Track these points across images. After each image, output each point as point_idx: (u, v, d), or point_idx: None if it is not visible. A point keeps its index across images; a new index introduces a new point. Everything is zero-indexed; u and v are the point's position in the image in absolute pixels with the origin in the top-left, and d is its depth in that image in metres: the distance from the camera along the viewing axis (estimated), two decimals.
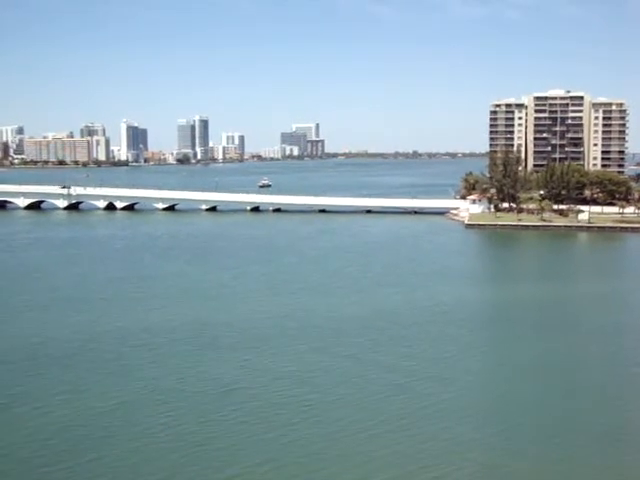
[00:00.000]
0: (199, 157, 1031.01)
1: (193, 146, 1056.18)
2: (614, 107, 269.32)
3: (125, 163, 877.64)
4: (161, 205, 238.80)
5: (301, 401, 60.02)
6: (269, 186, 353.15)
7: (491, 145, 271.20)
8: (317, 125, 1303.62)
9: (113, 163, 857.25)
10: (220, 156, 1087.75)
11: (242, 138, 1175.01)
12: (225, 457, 49.84)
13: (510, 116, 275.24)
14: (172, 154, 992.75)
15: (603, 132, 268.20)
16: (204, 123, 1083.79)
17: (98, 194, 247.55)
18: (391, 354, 73.40)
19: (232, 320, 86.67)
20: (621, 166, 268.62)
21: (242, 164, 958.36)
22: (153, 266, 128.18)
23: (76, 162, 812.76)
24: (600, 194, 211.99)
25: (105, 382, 64.62)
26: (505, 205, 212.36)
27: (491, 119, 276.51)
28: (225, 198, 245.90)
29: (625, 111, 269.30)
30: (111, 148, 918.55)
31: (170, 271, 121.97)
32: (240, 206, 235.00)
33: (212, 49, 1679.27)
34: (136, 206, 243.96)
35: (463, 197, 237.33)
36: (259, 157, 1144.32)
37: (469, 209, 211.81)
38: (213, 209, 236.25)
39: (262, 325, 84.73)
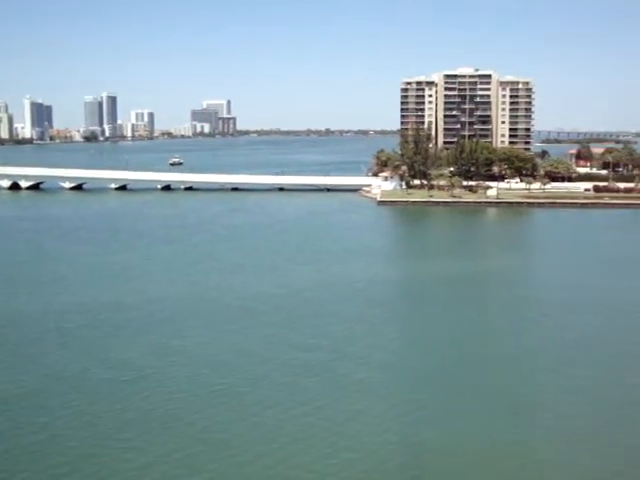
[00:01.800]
0: (107, 135, 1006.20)
1: (101, 123, 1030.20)
2: (521, 85, 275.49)
3: (29, 141, 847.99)
4: (68, 184, 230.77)
5: (216, 384, 58.66)
6: (180, 164, 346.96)
7: (402, 123, 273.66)
8: (228, 102, 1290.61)
9: (17, 141, 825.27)
10: (129, 134, 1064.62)
11: (152, 115, 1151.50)
12: (137, 445, 48.13)
13: (421, 94, 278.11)
14: (79, 132, 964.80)
15: (510, 110, 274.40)
16: (112, 100, 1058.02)
17: (1, 173, 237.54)
18: (306, 334, 72.74)
19: (143, 302, 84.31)
20: (528, 143, 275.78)
21: (152, 142, 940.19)
22: (59, 248, 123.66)
23: None
24: (508, 170, 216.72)
25: (10, 370, 61.64)
26: (416, 182, 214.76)
27: (402, 97, 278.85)
28: (135, 177, 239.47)
29: (531, 89, 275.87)
30: (15, 125, 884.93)
31: (77, 252, 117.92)
32: (151, 185, 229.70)
33: (119, 24, 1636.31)
34: (42, 185, 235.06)
35: (375, 174, 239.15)
36: (169, 135, 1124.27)
37: (381, 186, 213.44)
38: (123, 188, 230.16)
39: (174, 306, 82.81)
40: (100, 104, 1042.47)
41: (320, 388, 58.08)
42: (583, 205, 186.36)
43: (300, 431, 50.35)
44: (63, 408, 53.79)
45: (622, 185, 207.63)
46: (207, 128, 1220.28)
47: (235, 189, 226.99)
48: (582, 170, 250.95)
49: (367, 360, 65.10)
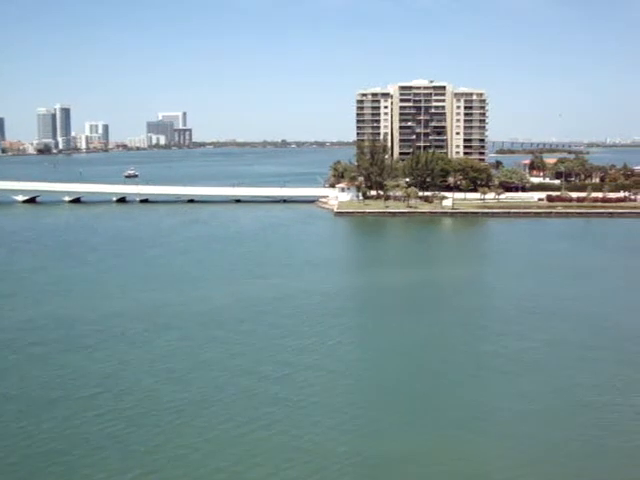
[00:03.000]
0: (61, 147, 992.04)
1: (54, 136, 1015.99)
2: (475, 97, 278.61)
3: None
4: (21, 197, 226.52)
5: (173, 400, 57.78)
6: (136, 176, 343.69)
7: (358, 134, 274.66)
8: (184, 114, 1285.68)
9: None
10: (83, 146, 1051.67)
11: (106, 127, 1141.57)
12: (92, 463, 47.10)
13: (376, 105, 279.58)
14: (32, 144, 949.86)
15: (465, 121, 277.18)
16: (66, 112, 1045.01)
17: None
18: (262, 347, 72.14)
19: (97, 318, 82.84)
20: (482, 154, 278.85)
21: (107, 154, 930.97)
22: (9, 262, 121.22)
23: None
24: (463, 181, 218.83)
25: None
26: (373, 193, 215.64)
27: (358, 108, 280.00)
28: (89, 189, 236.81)
29: (485, 101, 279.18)
30: None
31: (28, 267, 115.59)
32: (105, 197, 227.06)
33: (73, 34, 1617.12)
34: None
35: (332, 185, 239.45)
36: (124, 147, 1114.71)
37: (338, 197, 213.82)
38: (77, 201, 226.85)
39: (129, 322, 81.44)
40: (53, 116, 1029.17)
41: (275, 401, 57.54)
42: (537, 214, 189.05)
43: (256, 445, 49.79)
44: (10, 429, 52.40)
45: (574, 195, 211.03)
46: (163, 140, 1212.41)
47: (191, 201, 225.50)
48: (535, 180, 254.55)
49: (323, 372, 64.75)
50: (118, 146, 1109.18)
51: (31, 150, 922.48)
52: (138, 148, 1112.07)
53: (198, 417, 54.51)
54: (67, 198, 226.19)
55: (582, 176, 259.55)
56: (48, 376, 63.25)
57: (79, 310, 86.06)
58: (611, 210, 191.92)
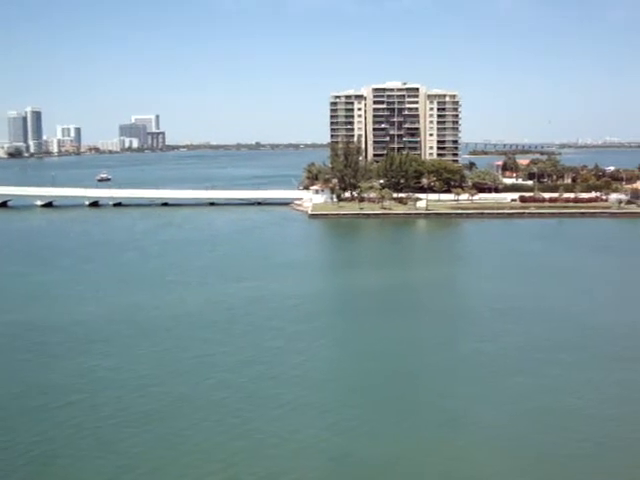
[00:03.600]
0: (33, 151, 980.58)
1: (26, 139, 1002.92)
2: (448, 98, 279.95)
3: None
4: None
5: (146, 408, 57.11)
6: (109, 180, 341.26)
7: (332, 136, 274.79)
8: (157, 117, 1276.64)
9: None
10: (55, 149, 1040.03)
11: (78, 130, 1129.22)
12: (64, 476, 46.46)
13: (350, 107, 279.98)
14: (3, 148, 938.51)
15: (438, 122, 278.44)
16: (37, 115, 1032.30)
17: None
18: (237, 352, 71.64)
19: (68, 323, 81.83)
20: (455, 155, 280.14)
21: (79, 157, 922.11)
22: None
23: None
24: (437, 182, 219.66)
25: None
26: (347, 195, 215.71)
27: (331, 110, 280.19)
28: (62, 193, 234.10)
29: (458, 102, 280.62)
30: None
31: None
32: (78, 201, 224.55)
33: (44, 36, 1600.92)
34: None
35: (306, 187, 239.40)
36: (97, 150, 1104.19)
37: (312, 199, 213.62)
38: (49, 205, 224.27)
39: (101, 327, 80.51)
40: (24, 119, 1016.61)
41: (253, 408, 57.11)
42: (510, 215, 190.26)
43: (234, 454, 49.24)
44: None
45: (547, 195, 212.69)
46: (136, 143, 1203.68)
47: (165, 204, 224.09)
48: (508, 181, 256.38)
49: (301, 377, 64.36)
50: (91, 149, 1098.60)
51: (1, 154, 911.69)
52: (111, 151, 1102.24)
53: (173, 425, 53.91)
54: (39, 202, 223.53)
55: (554, 177, 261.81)
56: (18, 387, 62.19)
57: (50, 316, 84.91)
58: (583, 210, 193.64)
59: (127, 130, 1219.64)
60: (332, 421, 54.67)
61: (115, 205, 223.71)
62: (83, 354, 70.67)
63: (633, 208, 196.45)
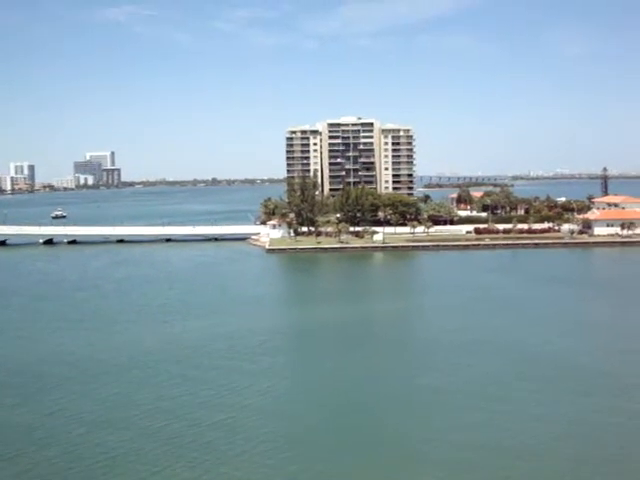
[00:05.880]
0: None
1: None
2: (402, 133, 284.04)
3: None
4: None
5: (106, 448, 56.09)
6: (64, 217, 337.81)
7: (289, 171, 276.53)
8: (112, 153, 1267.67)
9: None
10: (8, 187, 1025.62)
11: (32, 168, 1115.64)
12: None
13: (306, 142, 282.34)
14: None
15: (393, 156, 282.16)
16: None
17: None
18: (197, 389, 70.90)
19: (16, 364, 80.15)
20: (411, 188, 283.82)
21: (33, 195, 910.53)
22: None
23: None
24: (393, 215, 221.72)
25: None
26: (304, 229, 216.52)
27: (287, 145, 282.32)
28: (15, 231, 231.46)
29: (412, 137, 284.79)
30: None
31: None
32: (32, 239, 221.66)
33: None
34: None
35: (263, 222, 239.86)
36: (52, 187, 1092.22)
37: (269, 234, 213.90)
38: (2, 244, 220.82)
39: (55, 369, 78.83)
40: None
41: (207, 447, 56.41)
42: (465, 247, 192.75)
43: None
44: None
45: (501, 227, 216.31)
46: (91, 180, 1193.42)
47: (121, 241, 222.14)
48: (463, 213, 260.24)
49: (258, 413, 63.89)
50: (45, 187, 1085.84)
51: None
52: (65, 189, 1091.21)
53: (140, 459, 52.99)
54: None
55: (508, 208, 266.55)
56: None
57: (1, 356, 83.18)
58: (536, 241, 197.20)
59: (82, 167, 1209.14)
60: (292, 457, 54.29)
61: (70, 243, 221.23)
62: (40, 396, 69.15)
63: (584, 238, 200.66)
